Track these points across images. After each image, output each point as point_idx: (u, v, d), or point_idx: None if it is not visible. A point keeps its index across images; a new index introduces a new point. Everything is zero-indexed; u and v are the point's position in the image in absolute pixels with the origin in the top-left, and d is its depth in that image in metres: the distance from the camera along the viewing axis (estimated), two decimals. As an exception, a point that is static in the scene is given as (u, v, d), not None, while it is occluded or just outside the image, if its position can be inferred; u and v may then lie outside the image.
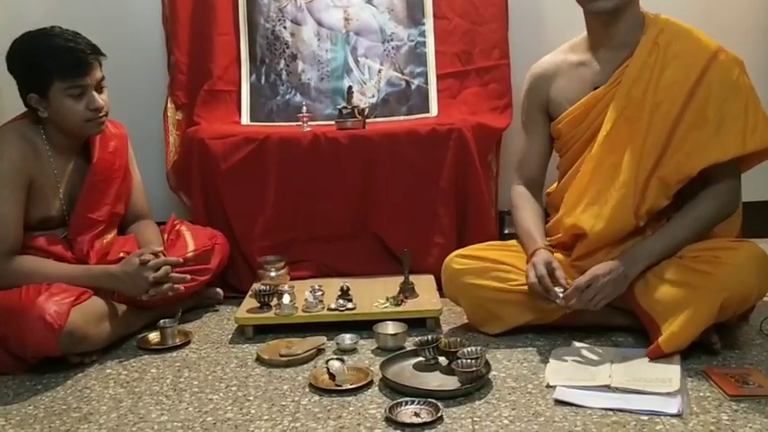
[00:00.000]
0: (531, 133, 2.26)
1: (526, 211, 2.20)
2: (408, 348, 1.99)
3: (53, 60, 2.07)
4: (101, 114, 2.16)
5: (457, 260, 2.16)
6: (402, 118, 2.83)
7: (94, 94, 2.13)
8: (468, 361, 1.78)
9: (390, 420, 1.62)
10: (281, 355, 1.99)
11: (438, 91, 2.85)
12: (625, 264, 1.94)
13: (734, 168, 1.99)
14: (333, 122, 2.73)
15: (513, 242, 2.26)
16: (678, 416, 1.59)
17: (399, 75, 2.89)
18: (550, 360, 1.91)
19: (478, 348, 1.85)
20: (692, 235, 1.97)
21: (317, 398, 1.77)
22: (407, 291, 2.28)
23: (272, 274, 2.41)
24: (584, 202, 2.04)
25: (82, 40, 2.13)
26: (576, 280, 1.96)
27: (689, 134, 1.95)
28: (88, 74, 2.11)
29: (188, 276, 2.23)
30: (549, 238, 2.19)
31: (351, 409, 1.71)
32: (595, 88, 2.07)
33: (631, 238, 2.01)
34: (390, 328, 2.09)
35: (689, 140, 1.95)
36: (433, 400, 1.67)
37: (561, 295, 1.94)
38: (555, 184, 2.26)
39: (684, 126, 1.95)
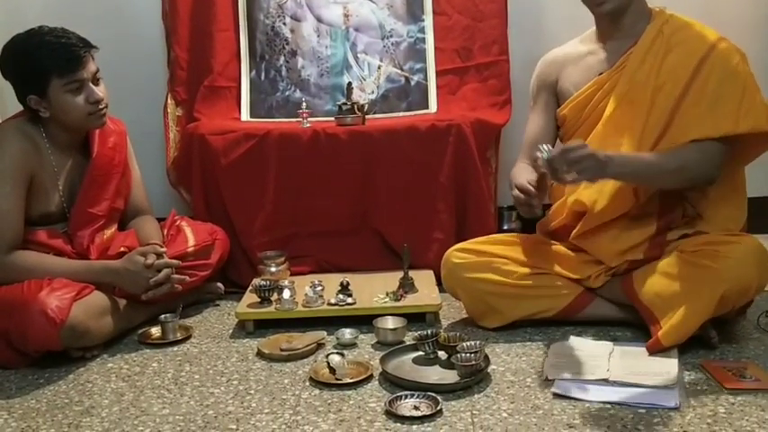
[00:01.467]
0: (541, 114, 2.29)
1: (522, 163, 2.20)
2: (408, 343, 2.00)
3: (47, 58, 2.08)
4: (101, 107, 2.17)
5: (456, 254, 2.17)
6: (401, 114, 2.84)
7: (92, 86, 2.14)
8: (468, 355, 1.80)
9: (390, 413, 1.63)
10: (282, 350, 2.00)
11: (437, 87, 2.86)
12: (603, 153, 1.86)
13: (725, 144, 1.98)
14: (332, 118, 2.74)
15: (512, 235, 2.29)
16: (675, 409, 1.61)
17: (399, 71, 2.90)
18: (549, 354, 1.93)
19: (478, 343, 1.86)
20: (669, 169, 1.94)
21: (317, 391, 1.79)
22: (407, 286, 2.29)
23: (273, 269, 2.43)
24: None
25: (72, 35, 2.14)
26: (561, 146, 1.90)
27: (687, 111, 1.99)
28: (84, 67, 2.11)
29: (186, 278, 2.26)
30: (549, 226, 2.23)
31: (351, 402, 1.72)
32: (600, 74, 2.12)
33: (633, 218, 2.03)
34: (390, 322, 2.10)
35: (685, 116, 1.98)
36: (433, 394, 1.69)
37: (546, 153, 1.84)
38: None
39: (684, 108, 1.99)
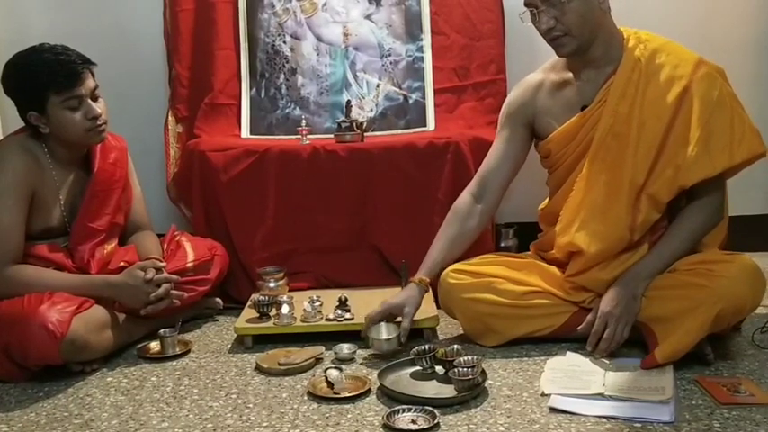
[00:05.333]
0: (503, 144, 2.25)
1: (443, 234, 2.22)
2: (406, 358, 2.01)
3: (46, 75, 2.11)
4: (99, 123, 2.18)
5: (452, 275, 2.18)
6: (400, 132, 2.87)
7: (91, 103, 2.16)
8: (465, 369, 1.81)
9: (388, 427, 1.65)
10: (280, 364, 2.01)
11: (435, 105, 2.89)
12: (629, 285, 1.98)
13: (719, 180, 2.02)
14: (332, 136, 2.77)
15: (507, 255, 2.31)
16: (671, 423, 1.62)
17: (397, 89, 2.93)
18: (545, 369, 1.94)
19: (475, 357, 1.87)
20: (687, 247, 2.02)
21: (315, 405, 1.80)
22: (405, 302, 2.31)
23: (271, 284, 2.43)
24: (578, 220, 2.07)
25: (72, 52, 2.16)
26: (593, 328, 1.99)
27: (678, 151, 1.97)
28: (81, 84, 2.14)
29: (185, 293, 2.27)
30: (543, 253, 2.23)
31: (349, 416, 1.73)
32: (582, 108, 2.10)
33: (625, 252, 2.04)
34: (384, 332, 2.10)
35: (678, 157, 1.97)
36: (430, 408, 1.70)
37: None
38: (546, 201, 2.30)
39: (672, 142, 1.98)
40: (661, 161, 1.99)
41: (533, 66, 2.35)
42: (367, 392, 1.84)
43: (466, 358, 1.87)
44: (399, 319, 2.11)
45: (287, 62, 2.95)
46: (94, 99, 2.19)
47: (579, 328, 2.03)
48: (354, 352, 2.09)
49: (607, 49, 2.07)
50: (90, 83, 2.17)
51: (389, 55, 2.95)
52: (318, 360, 2.07)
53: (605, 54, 2.07)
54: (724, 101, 1.99)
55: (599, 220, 2.03)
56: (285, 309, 2.24)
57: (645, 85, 2.01)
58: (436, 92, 2.90)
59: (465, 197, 2.26)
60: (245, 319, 2.28)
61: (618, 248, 2.03)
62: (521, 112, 2.22)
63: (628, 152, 2.00)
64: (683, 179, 1.97)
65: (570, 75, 2.15)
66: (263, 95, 2.94)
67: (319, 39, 2.97)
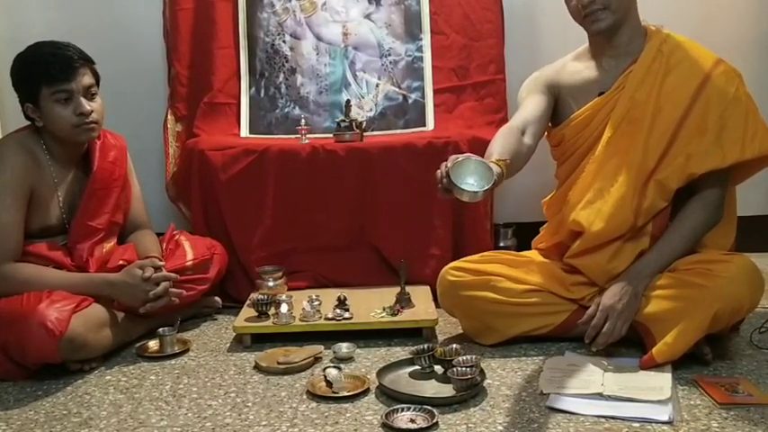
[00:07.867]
0: (542, 103, 2.20)
1: (499, 137, 2.07)
2: (404, 357, 2.01)
3: (40, 67, 2.12)
4: (88, 120, 2.17)
5: (451, 272, 2.18)
6: (399, 131, 2.87)
7: (82, 99, 2.16)
8: (464, 369, 1.81)
9: (387, 426, 1.65)
10: (279, 363, 2.01)
11: (435, 105, 2.89)
12: (632, 281, 1.99)
13: (724, 177, 2.05)
14: (331, 135, 2.77)
15: (507, 253, 2.31)
16: (669, 423, 1.62)
17: (397, 89, 2.93)
18: (544, 369, 1.94)
19: (473, 357, 1.87)
20: (688, 245, 2.03)
21: (314, 404, 1.80)
22: (404, 301, 2.31)
23: (270, 283, 2.44)
24: (585, 200, 2.08)
25: (73, 49, 2.17)
26: (592, 320, 1.99)
27: (690, 140, 2.00)
28: (73, 79, 2.14)
29: (183, 291, 2.26)
30: (545, 246, 2.24)
31: (348, 415, 1.73)
32: (600, 94, 2.13)
33: (627, 241, 2.04)
34: (470, 178, 1.79)
35: (690, 146, 2.00)
36: (429, 407, 1.70)
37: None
38: (552, 193, 2.30)
39: (686, 131, 2.01)
40: (673, 148, 2.02)
41: (533, 66, 2.35)
42: (366, 392, 1.84)
43: (465, 358, 1.87)
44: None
45: (286, 61, 2.95)
46: (89, 97, 2.19)
47: (580, 321, 2.04)
48: (353, 351, 2.09)
49: (632, 38, 2.10)
50: (86, 80, 2.17)
51: (389, 54, 2.95)
52: (317, 359, 2.07)
53: (629, 43, 2.10)
54: (740, 98, 2.03)
55: (604, 199, 2.04)
56: (284, 308, 2.24)
57: (664, 75, 2.04)
58: (435, 92, 2.91)
59: (514, 125, 2.15)
60: (244, 318, 2.28)
61: (619, 231, 2.03)
62: (550, 84, 2.24)
63: (641, 137, 2.02)
64: (694, 167, 1.99)
65: (592, 63, 2.18)
66: (262, 94, 2.94)
67: (319, 38, 2.97)
